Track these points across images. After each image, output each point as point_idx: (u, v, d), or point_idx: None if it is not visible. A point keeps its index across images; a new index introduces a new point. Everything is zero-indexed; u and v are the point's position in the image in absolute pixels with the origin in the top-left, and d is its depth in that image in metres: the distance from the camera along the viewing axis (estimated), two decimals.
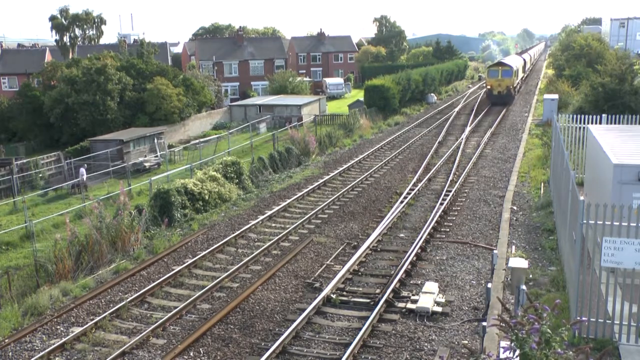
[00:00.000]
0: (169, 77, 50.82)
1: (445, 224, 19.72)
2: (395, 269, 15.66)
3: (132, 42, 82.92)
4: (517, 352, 5.94)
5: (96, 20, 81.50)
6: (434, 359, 11.33)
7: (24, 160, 36.36)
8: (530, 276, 14.21)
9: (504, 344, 6.31)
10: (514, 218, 19.67)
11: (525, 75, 74.34)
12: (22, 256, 20.22)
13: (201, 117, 52.31)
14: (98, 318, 13.51)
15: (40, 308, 14.25)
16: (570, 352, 5.84)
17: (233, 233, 19.46)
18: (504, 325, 6.19)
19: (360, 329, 12.49)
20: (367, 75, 77.30)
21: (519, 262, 12.67)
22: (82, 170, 31.54)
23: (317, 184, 25.76)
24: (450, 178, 25.65)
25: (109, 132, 43.00)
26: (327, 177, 26.88)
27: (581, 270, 10.48)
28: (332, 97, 72.56)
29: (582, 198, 10.57)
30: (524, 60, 70.08)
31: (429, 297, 13.62)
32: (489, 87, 52.37)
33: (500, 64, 54.33)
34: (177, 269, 16.46)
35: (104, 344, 12.58)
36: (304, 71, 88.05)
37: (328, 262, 16.85)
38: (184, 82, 52.09)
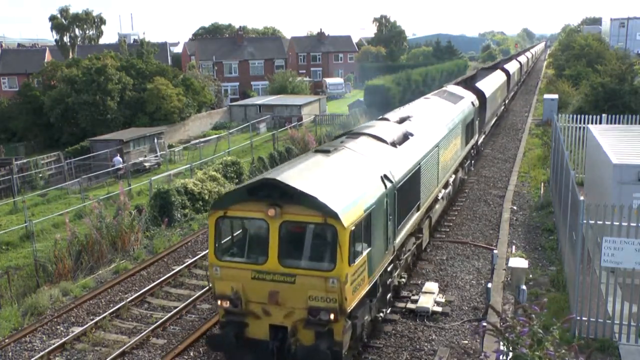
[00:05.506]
0: (169, 77, 50.89)
1: (445, 223, 19.70)
2: None
3: (132, 42, 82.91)
4: (510, 355, 5.93)
5: (96, 20, 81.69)
6: (434, 359, 11.33)
7: (24, 160, 36.44)
8: (530, 276, 14.20)
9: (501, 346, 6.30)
10: (514, 218, 19.66)
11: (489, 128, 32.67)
12: (22, 256, 20.23)
13: (201, 117, 52.34)
14: (98, 318, 13.50)
15: (40, 308, 14.24)
16: (563, 351, 5.83)
17: None
18: (494, 330, 6.18)
19: None
20: (367, 75, 77.37)
21: (519, 262, 12.68)
22: (118, 159, 32.12)
23: None
24: None
25: (109, 132, 43.04)
26: None
27: (581, 270, 10.48)
28: (332, 97, 72.58)
29: (582, 198, 10.57)
30: (473, 103, 22.92)
31: (429, 297, 13.60)
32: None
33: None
34: (177, 268, 16.45)
35: (104, 343, 12.58)
36: (304, 71, 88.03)
37: None
38: (184, 82, 52.15)
